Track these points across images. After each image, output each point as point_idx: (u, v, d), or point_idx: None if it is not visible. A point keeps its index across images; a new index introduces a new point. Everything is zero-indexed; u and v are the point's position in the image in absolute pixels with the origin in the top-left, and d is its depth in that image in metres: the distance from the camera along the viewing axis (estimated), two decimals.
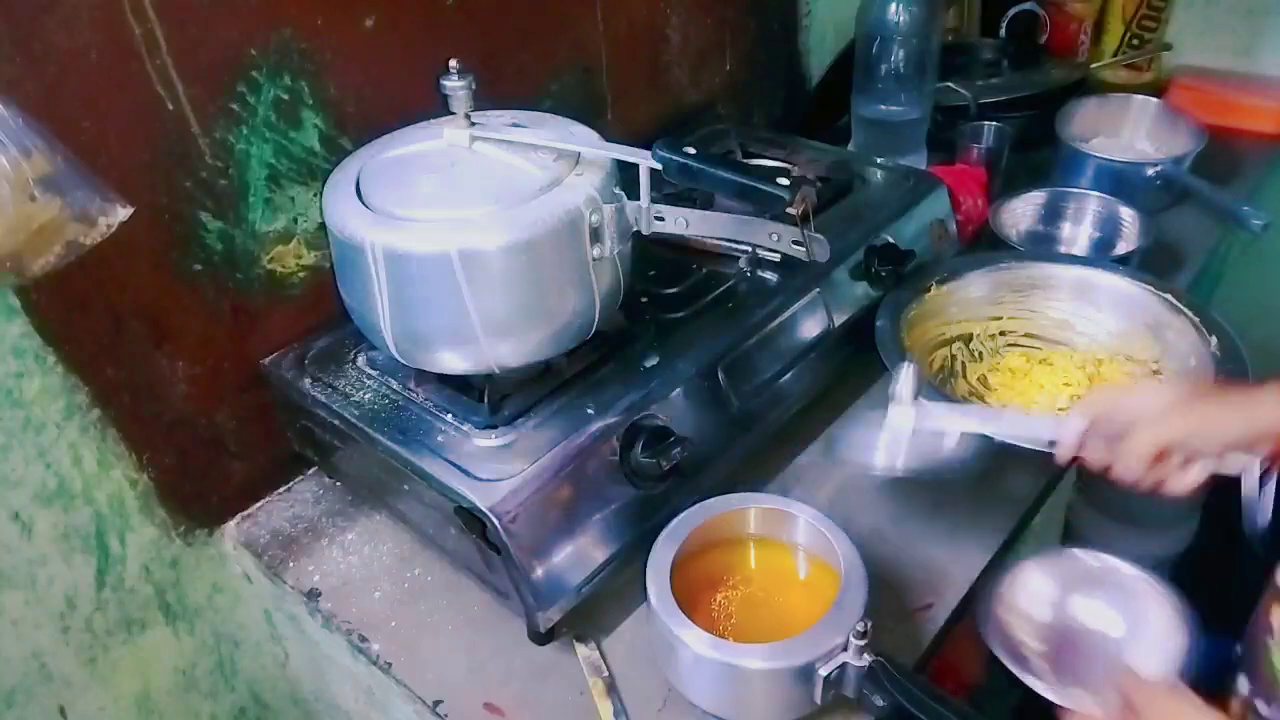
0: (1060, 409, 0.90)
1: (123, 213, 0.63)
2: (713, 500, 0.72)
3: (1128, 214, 1.13)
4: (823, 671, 0.62)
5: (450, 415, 0.75)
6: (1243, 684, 0.64)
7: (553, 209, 0.67)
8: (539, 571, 0.68)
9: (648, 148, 0.69)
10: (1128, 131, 1.34)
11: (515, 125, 0.73)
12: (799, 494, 0.86)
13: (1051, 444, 0.69)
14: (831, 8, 1.40)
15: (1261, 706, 0.61)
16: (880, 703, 0.62)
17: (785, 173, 1.01)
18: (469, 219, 0.66)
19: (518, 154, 0.70)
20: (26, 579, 0.76)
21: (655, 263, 0.89)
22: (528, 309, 0.70)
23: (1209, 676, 0.65)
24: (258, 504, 0.90)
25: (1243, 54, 1.51)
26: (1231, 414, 0.65)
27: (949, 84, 1.31)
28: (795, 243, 0.72)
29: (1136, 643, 0.68)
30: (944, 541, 0.80)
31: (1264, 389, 0.66)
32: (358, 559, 0.84)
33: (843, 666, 0.62)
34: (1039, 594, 0.71)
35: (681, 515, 0.70)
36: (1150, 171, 1.20)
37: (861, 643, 0.62)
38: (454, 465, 0.70)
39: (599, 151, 0.71)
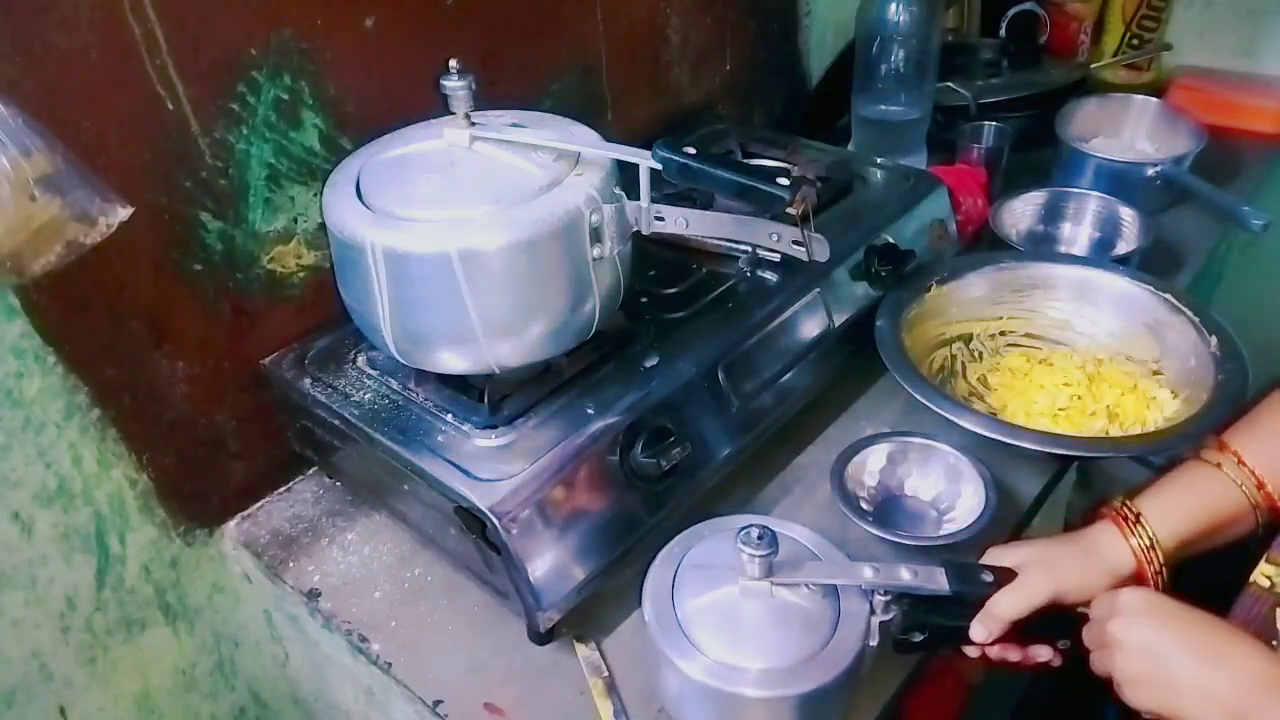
0: (1060, 409, 0.90)
1: (123, 213, 0.63)
2: (704, 524, 0.71)
3: (1128, 214, 1.13)
4: (873, 642, 0.63)
5: (450, 415, 0.75)
6: None
7: (553, 209, 0.67)
8: (539, 571, 0.68)
9: (648, 148, 0.69)
10: (1128, 131, 1.35)
11: (515, 125, 0.73)
12: (799, 494, 0.86)
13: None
14: (831, 8, 1.40)
15: None
16: (919, 637, 0.65)
17: (785, 173, 1.01)
18: (469, 219, 0.66)
19: (518, 154, 0.70)
20: (26, 579, 0.76)
21: (655, 263, 0.89)
22: (528, 309, 0.70)
23: None
24: (258, 504, 0.90)
25: (1243, 54, 1.52)
26: (1082, 567, 0.68)
27: (949, 84, 1.31)
28: (795, 243, 0.72)
29: (948, 502, 0.82)
30: (943, 541, 0.80)
31: (1094, 529, 0.70)
32: (358, 559, 0.84)
33: (879, 626, 0.63)
34: (875, 467, 0.85)
35: (676, 538, 0.70)
36: (1150, 171, 1.20)
37: (887, 598, 0.63)
38: (454, 465, 0.70)
39: (599, 151, 0.71)
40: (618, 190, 0.72)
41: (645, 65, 1.14)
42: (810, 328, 0.89)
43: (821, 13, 1.39)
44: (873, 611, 0.63)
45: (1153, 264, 1.07)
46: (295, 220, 0.84)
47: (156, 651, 0.88)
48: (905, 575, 0.64)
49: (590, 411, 0.74)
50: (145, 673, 0.87)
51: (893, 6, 1.17)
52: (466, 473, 0.69)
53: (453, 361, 0.72)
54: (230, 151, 0.76)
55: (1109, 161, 1.21)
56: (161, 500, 0.83)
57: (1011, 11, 1.45)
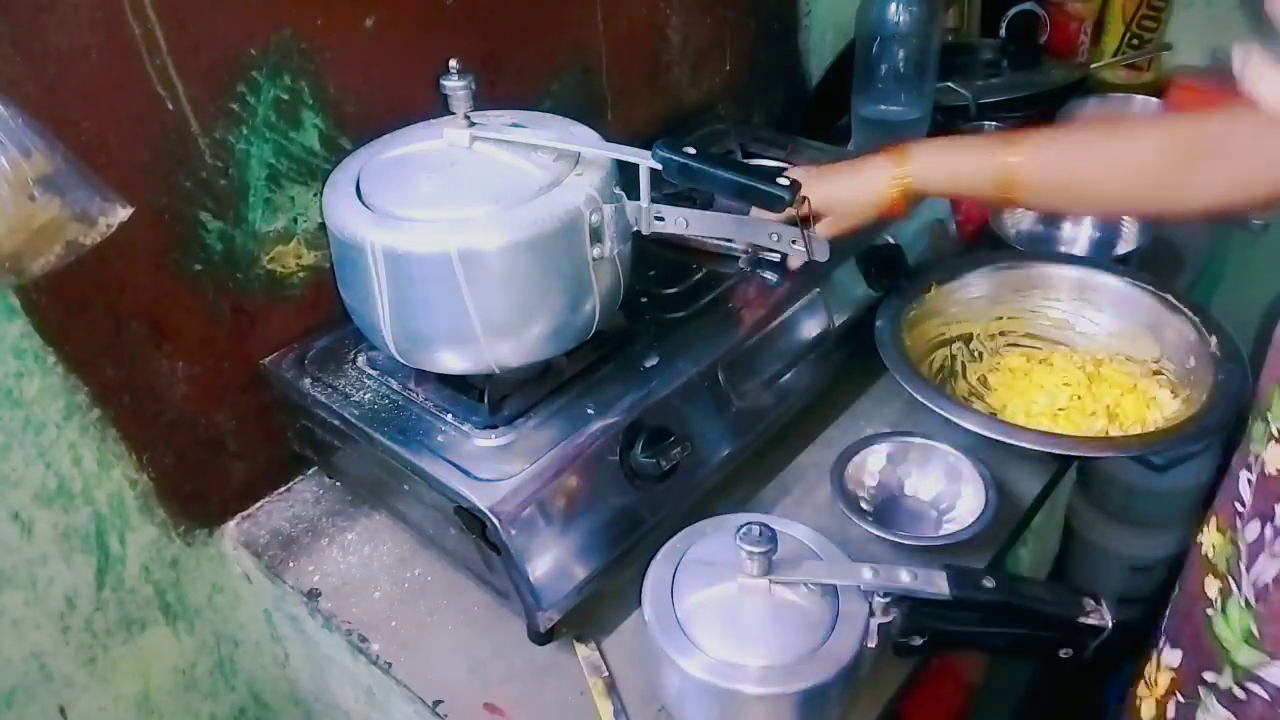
0: (1060, 409, 0.90)
1: (123, 213, 0.63)
2: (705, 521, 0.71)
3: None
4: (872, 644, 0.63)
5: (450, 415, 0.75)
6: (1173, 657, 0.66)
7: (553, 209, 0.67)
8: (539, 571, 0.68)
9: (648, 148, 0.69)
10: None
11: (515, 125, 0.73)
12: (799, 494, 0.86)
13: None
14: (831, 8, 1.40)
15: (1210, 676, 0.62)
16: (918, 640, 0.64)
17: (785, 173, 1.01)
18: (469, 219, 0.66)
19: (518, 154, 0.70)
20: (26, 579, 0.76)
21: (655, 263, 0.89)
22: (528, 309, 0.70)
23: None
24: (258, 504, 0.90)
25: None
26: (846, 183, 0.83)
27: (949, 84, 1.31)
28: (795, 243, 0.72)
29: (948, 502, 0.82)
30: (943, 541, 0.80)
31: (874, 157, 0.82)
32: (358, 559, 0.84)
33: (878, 629, 0.63)
34: (875, 467, 0.85)
35: (677, 535, 0.70)
36: None
37: (886, 600, 0.63)
38: (454, 465, 0.70)
39: (599, 151, 0.71)
40: (618, 190, 0.72)
41: (645, 65, 1.14)
42: (810, 328, 0.89)
43: (821, 13, 1.39)
44: (872, 613, 0.63)
45: (1153, 264, 1.07)
46: (295, 220, 0.84)
47: (156, 651, 0.88)
48: (905, 578, 0.63)
49: (590, 411, 0.74)
50: (145, 673, 0.87)
51: (893, 6, 1.17)
52: (466, 473, 0.69)
53: (453, 361, 0.72)
54: (230, 151, 0.76)
55: None
56: (161, 500, 0.83)
57: (1011, 11, 1.45)
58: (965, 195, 0.84)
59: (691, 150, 0.69)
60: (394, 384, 0.79)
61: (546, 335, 0.71)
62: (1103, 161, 0.76)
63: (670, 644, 0.62)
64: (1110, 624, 0.63)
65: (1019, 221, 1.17)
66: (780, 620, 0.63)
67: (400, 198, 0.68)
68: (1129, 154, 0.74)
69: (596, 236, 0.69)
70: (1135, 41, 1.55)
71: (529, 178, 0.68)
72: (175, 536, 0.85)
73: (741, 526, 0.62)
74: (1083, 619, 0.64)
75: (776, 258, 0.88)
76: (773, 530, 0.62)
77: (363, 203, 0.69)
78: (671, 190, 0.89)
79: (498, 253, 0.66)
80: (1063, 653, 0.66)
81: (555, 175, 0.69)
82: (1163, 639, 0.67)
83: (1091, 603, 0.64)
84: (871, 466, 0.84)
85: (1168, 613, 0.69)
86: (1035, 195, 0.79)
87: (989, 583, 0.65)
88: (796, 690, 0.60)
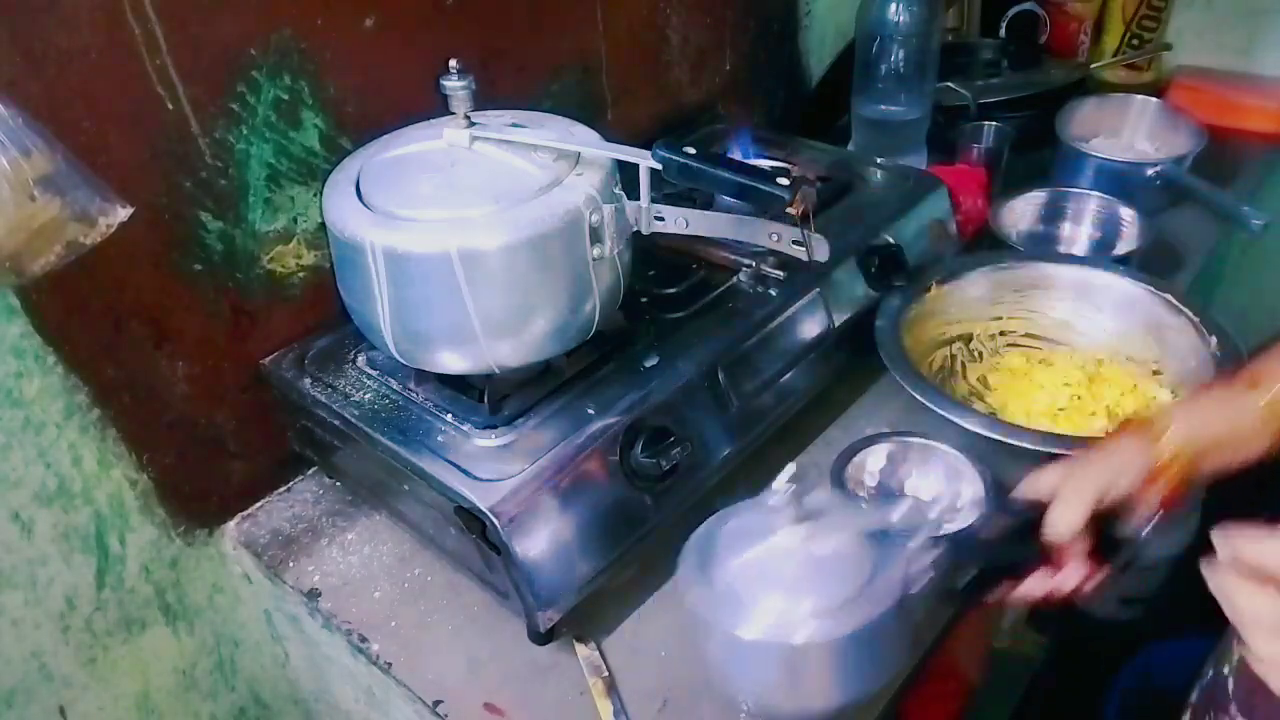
0: (1060, 409, 0.90)
1: (123, 213, 0.63)
2: (727, 509, 0.69)
3: (1128, 214, 1.13)
4: (914, 590, 0.62)
5: (450, 415, 0.75)
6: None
7: (553, 209, 0.67)
8: (539, 571, 0.68)
9: (648, 148, 0.69)
10: (1128, 131, 1.35)
11: (515, 125, 0.73)
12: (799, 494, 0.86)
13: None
14: (831, 8, 1.40)
15: None
16: (957, 585, 0.64)
17: (785, 173, 1.00)
18: (469, 219, 0.66)
19: (518, 154, 0.70)
20: (26, 579, 0.76)
21: (655, 263, 0.89)
22: (528, 309, 0.70)
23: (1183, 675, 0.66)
24: (258, 504, 0.90)
25: (1243, 54, 1.52)
26: (1219, 413, 0.68)
27: (949, 84, 1.31)
28: (795, 243, 0.72)
29: (946, 502, 0.82)
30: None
31: (1228, 388, 0.69)
32: (358, 559, 0.84)
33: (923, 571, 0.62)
34: (875, 467, 0.84)
35: (696, 532, 0.67)
36: (1150, 171, 1.20)
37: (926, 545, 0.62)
38: (454, 465, 0.70)
39: (599, 151, 0.71)
40: (618, 190, 0.72)
41: (645, 65, 1.14)
42: (810, 328, 0.89)
43: (821, 13, 1.39)
44: (911, 559, 0.62)
45: (1153, 264, 1.07)
46: (295, 220, 0.84)
47: (156, 651, 0.88)
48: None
49: (590, 411, 0.74)
50: (145, 673, 0.87)
51: (893, 6, 1.17)
52: (466, 473, 0.69)
53: (453, 361, 0.72)
54: (230, 151, 0.76)
55: (1109, 161, 1.21)
56: (161, 500, 0.83)
57: (1011, 11, 1.45)
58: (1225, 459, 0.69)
59: (691, 150, 0.69)
60: (394, 384, 0.79)
61: (546, 335, 0.71)
62: None
63: (717, 617, 0.60)
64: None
65: (1019, 221, 1.17)
66: (823, 569, 0.61)
67: (400, 198, 0.68)
68: None
69: (596, 236, 0.69)
70: (1135, 41, 1.55)
71: (529, 178, 0.68)
72: (175, 536, 0.85)
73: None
74: None
75: (781, 275, 0.88)
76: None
77: (363, 203, 0.69)
78: (671, 190, 0.89)
79: (498, 252, 0.66)
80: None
81: (555, 175, 0.69)
82: (1233, 707, 0.64)
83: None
84: (871, 466, 0.84)
85: (1229, 676, 0.65)
86: None
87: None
88: (847, 632, 0.58)
